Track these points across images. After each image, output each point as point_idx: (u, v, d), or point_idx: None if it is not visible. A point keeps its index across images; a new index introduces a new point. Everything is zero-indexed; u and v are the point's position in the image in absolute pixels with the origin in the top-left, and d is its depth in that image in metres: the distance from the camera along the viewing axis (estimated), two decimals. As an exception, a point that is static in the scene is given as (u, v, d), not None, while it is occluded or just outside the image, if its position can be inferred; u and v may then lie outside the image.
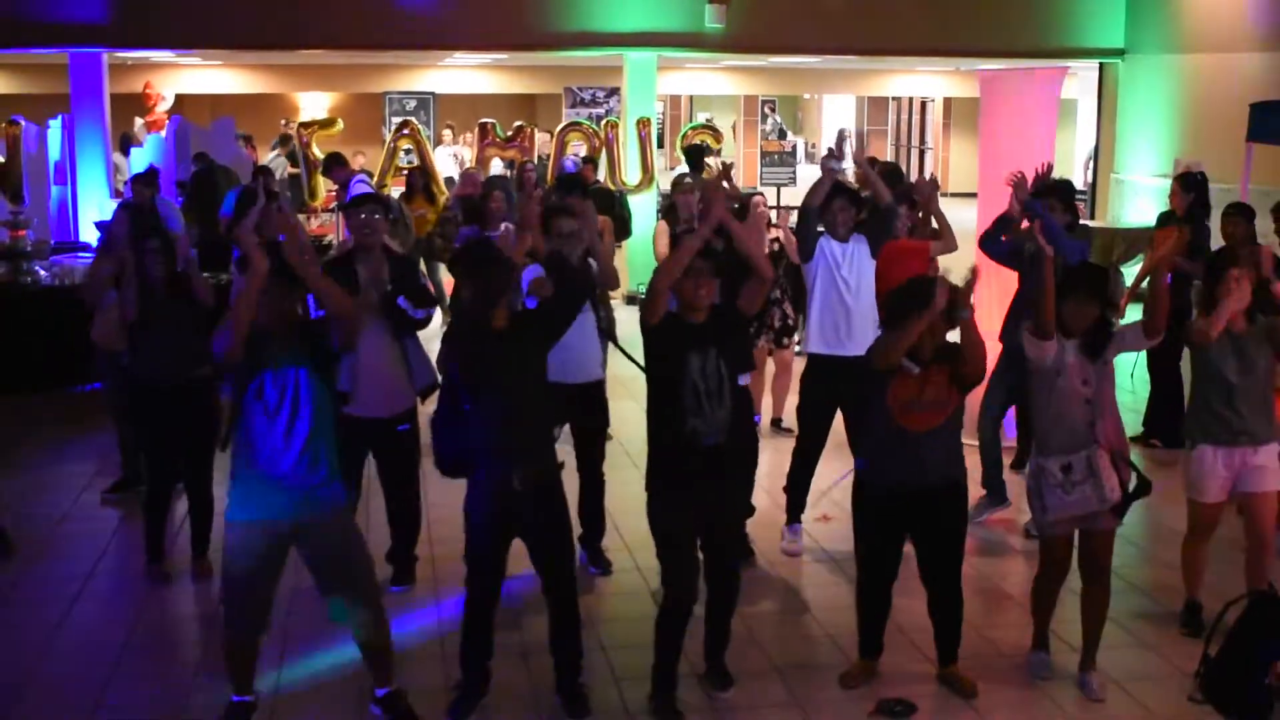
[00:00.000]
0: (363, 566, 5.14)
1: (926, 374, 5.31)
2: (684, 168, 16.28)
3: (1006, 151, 9.13)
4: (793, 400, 8.65)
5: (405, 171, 14.08)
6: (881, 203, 7.10)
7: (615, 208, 12.91)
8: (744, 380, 6.87)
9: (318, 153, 14.90)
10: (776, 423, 9.37)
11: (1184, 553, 6.18)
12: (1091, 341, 5.45)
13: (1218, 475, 5.93)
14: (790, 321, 9.09)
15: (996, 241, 7.51)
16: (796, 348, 8.73)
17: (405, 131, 15.14)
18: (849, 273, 6.95)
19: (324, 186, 15.04)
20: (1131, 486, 5.53)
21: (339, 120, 15.48)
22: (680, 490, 5.21)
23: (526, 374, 5.16)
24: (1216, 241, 9.10)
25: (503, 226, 9.05)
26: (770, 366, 9.34)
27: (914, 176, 29.83)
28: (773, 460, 8.28)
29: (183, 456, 6.79)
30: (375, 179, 15.58)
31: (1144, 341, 5.55)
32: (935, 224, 7.48)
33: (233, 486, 4.97)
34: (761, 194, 8.82)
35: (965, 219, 10.58)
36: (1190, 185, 9.39)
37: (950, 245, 7.38)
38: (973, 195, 12.49)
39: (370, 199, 6.62)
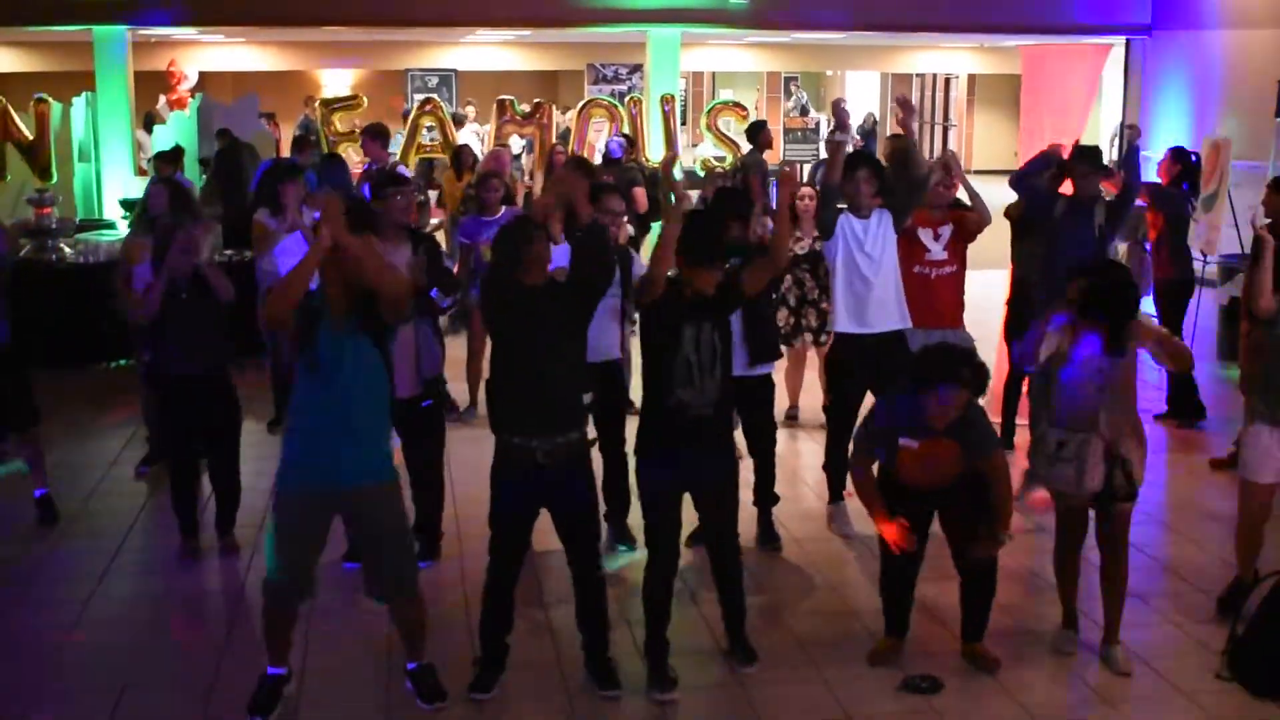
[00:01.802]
0: (405, 539, 5.16)
1: (934, 447, 5.28)
2: (705, 146, 16.28)
3: (1047, 124, 9.14)
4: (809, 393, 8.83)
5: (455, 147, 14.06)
6: (915, 176, 7.05)
7: (651, 187, 12.90)
8: (765, 370, 6.88)
9: (340, 127, 14.89)
10: (790, 413, 9.27)
11: (1238, 535, 6.04)
12: (1112, 339, 5.39)
13: (1273, 456, 5.81)
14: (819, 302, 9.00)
15: (1029, 182, 7.53)
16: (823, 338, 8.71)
17: (427, 109, 15.13)
18: (871, 249, 6.92)
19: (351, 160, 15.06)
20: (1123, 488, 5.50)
21: (363, 98, 15.45)
22: (666, 456, 5.25)
23: (559, 338, 5.15)
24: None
25: (502, 209, 9.05)
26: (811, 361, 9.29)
27: (937, 153, 29.71)
28: (788, 447, 8.32)
29: (205, 444, 6.82)
30: (398, 156, 15.60)
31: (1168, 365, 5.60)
32: (966, 197, 7.47)
33: (285, 452, 5.00)
34: (809, 189, 8.72)
35: (992, 196, 10.52)
36: (1180, 158, 9.46)
37: (984, 218, 7.39)
38: (998, 172, 12.47)
39: (404, 179, 6.59)
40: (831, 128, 8.98)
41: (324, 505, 4.98)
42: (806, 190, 8.67)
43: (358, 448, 4.92)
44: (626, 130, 14.73)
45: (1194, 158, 9.61)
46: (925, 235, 7.52)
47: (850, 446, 7.03)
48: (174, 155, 11.41)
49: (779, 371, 7.37)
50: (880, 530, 5.40)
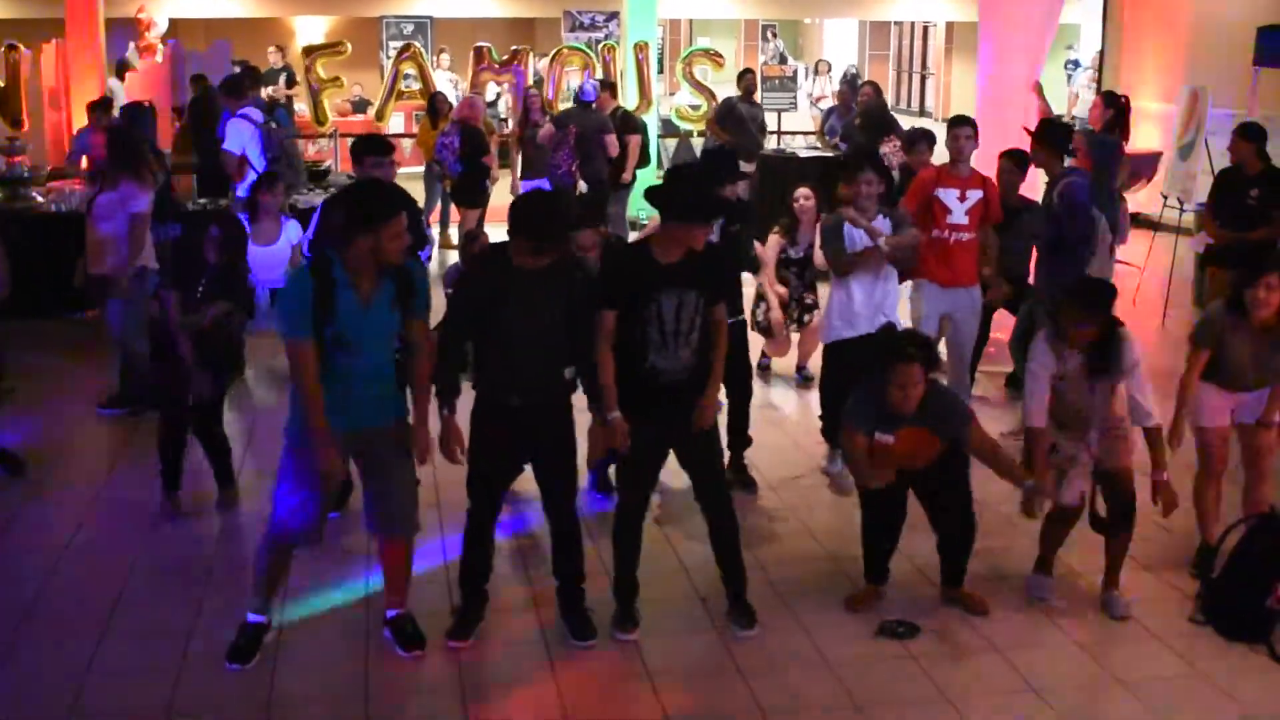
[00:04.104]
0: (408, 478, 5.15)
1: (909, 437, 5.30)
2: (682, 94, 16.15)
3: (1005, 70, 9.13)
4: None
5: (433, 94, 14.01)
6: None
7: (637, 132, 12.85)
8: (740, 316, 6.87)
9: (322, 73, 14.78)
10: (800, 373, 9.11)
11: (1195, 490, 6.04)
12: (1095, 358, 5.39)
13: (1214, 400, 5.85)
14: (809, 300, 8.79)
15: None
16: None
17: (407, 55, 15.03)
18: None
19: (331, 111, 15.03)
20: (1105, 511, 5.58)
21: (346, 44, 15.32)
22: (640, 415, 5.20)
23: (547, 316, 5.07)
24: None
25: None
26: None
27: (915, 101, 29.66)
28: (768, 396, 8.32)
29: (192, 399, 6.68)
30: (377, 105, 15.50)
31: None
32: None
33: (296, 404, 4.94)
34: (806, 189, 8.56)
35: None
36: (1112, 102, 9.55)
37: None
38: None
39: (384, 147, 6.45)
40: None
41: (346, 446, 4.96)
42: (803, 191, 8.50)
43: (378, 392, 4.93)
44: (601, 77, 14.61)
45: (1123, 98, 9.77)
46: (949, 196, 7.35)
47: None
48: (105, 104, 11.38)
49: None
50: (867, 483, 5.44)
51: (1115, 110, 9.56)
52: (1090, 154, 9.31)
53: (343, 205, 4.97)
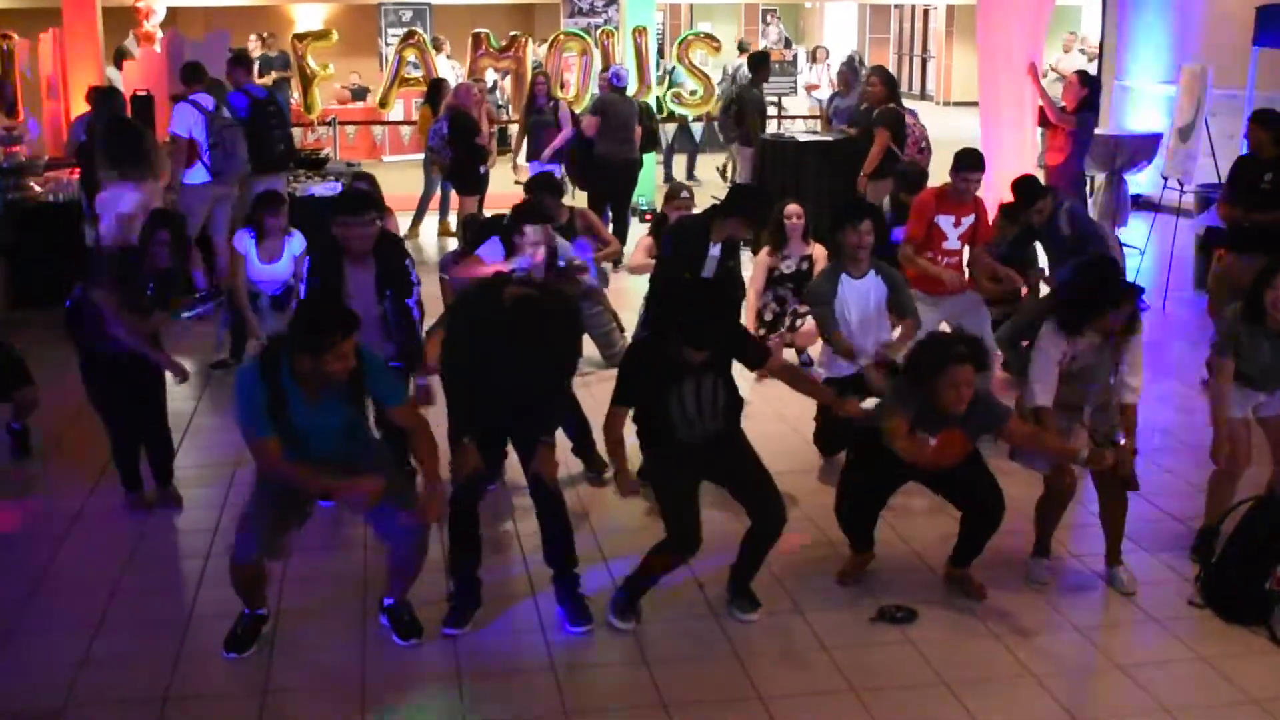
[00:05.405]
0: (406, 481, 5.16)
1: (948, 439, 5.26)
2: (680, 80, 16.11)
3: (1004, 47, 9.16)
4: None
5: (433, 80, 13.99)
6: None
7: (644, 119, 12.85)
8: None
9: (313, 64, 14.74)
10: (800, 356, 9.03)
11: (1211, 480, 5.99)
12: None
13: (1233, 395, 5.77)
14: (802, 310, 8.76)
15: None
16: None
17: (411, 42, 15.00)
18: (857, 320, 6.72)
19: (320, 100, 14.97)
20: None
21: (333, 32, 15.29)
22: (673, 458, 5.24)
23: (531, 352, 5.11)
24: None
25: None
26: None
27: (916, 85, 29.59)
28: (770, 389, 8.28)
29: (130, 404, 6.59)
30: (380, 93, 15.46)
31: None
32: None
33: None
34: (797, 208, 8.45)
35: (968, 127, 10.51)
36: (1086, 81, 9.69)
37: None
38: (975, 104, 12.37)
39: (365, 204, 6.23)
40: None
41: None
42: (794, 209, 8.44)
43: (345, 472, 4.90)
44: (599, 63, 14.59)
45: (1094, 78, 9.99)
46: (945, 222, 7.49)
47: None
48: (110, 93, 11.39)
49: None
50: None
51: (1090, 90, 9.75)
52: (1076, 133, 9.43)
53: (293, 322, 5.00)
